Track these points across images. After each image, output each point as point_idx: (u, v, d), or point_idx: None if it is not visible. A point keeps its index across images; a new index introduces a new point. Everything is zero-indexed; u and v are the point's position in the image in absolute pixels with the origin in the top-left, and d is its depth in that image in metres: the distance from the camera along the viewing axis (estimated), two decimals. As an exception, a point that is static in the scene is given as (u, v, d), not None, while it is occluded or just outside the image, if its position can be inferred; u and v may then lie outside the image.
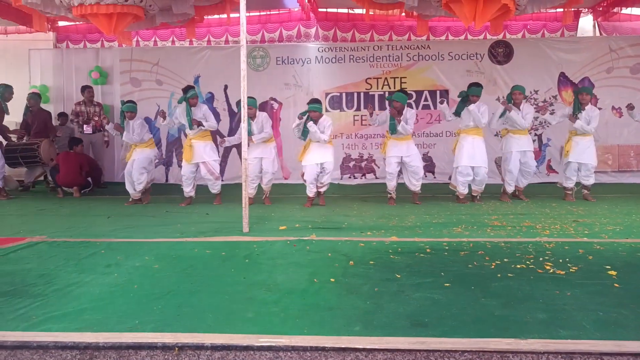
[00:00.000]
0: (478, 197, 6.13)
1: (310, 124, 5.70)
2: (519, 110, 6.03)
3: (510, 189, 6.25)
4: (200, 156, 5.95)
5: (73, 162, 7.16)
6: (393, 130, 5.83)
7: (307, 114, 5.74)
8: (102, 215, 5.28)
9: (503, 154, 6.31)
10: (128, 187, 6.21)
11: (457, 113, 6.00)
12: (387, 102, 5.91)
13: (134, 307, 2.37)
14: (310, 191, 5.89)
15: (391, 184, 6.06)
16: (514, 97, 6.07)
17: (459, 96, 6.10)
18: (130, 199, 6.27)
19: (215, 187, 6.12)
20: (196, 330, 2.08)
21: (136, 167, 6.11)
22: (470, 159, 5.90)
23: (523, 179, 6.25)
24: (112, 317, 2.24)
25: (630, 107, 6.17)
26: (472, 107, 5.84)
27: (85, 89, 8.10)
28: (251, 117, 5.90)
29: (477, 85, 6.00)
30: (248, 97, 6.02)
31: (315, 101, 5.89)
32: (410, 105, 6.06)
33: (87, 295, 2.57)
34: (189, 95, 5.86)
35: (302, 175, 5.99)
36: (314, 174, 5.84)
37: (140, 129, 6.17)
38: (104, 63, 8.76)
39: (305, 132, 5.79)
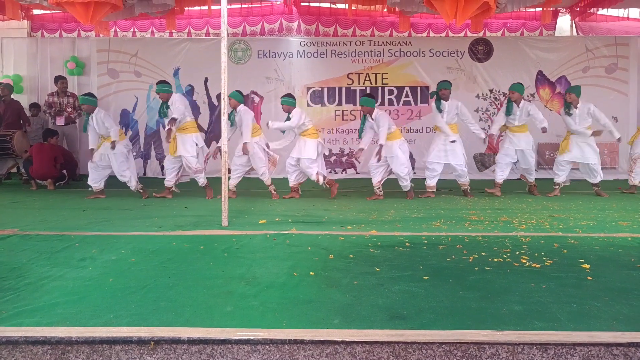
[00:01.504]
0: (469, 190, 6.24)
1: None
2: (519, 107, 6.11)
3: (531, 178, 6.38)
4: (180, 150, 5.87)
5: (47, 154, 6.97)
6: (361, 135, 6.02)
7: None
8: (77, 209, 5.16)
9: (502, 149, 6.35)
10: (92, 180, 6.02)
11: (439, 109, 6.03)
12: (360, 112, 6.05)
13: (109, 301, 2.31)
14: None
15: (375, 180, 6.05)
16: (511, 96, 6.12)
17: (431, 96, 6.19)
18: (93, 191, 6.06)
19: (199, 180, 6.05)
20: (173, 324, 2.04)
21: (117, 163, 5.96)
22: (444, 157, 6.11)
23: (529, 175, 6.39)
24: (85, 312, 2.19)
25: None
26: (458, 104, 6.06)
27: (59, 79, 7.88)
28: (233, 107, 5.91)
29: (445, 81, 6.19)
30: (235, 91, 6.00)
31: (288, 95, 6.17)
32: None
33: (60, 289, 2.50)
34: (156, 90, 5.96)
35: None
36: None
37: (105, 120, 5.93)
38: (81, 53, 8.55)
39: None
